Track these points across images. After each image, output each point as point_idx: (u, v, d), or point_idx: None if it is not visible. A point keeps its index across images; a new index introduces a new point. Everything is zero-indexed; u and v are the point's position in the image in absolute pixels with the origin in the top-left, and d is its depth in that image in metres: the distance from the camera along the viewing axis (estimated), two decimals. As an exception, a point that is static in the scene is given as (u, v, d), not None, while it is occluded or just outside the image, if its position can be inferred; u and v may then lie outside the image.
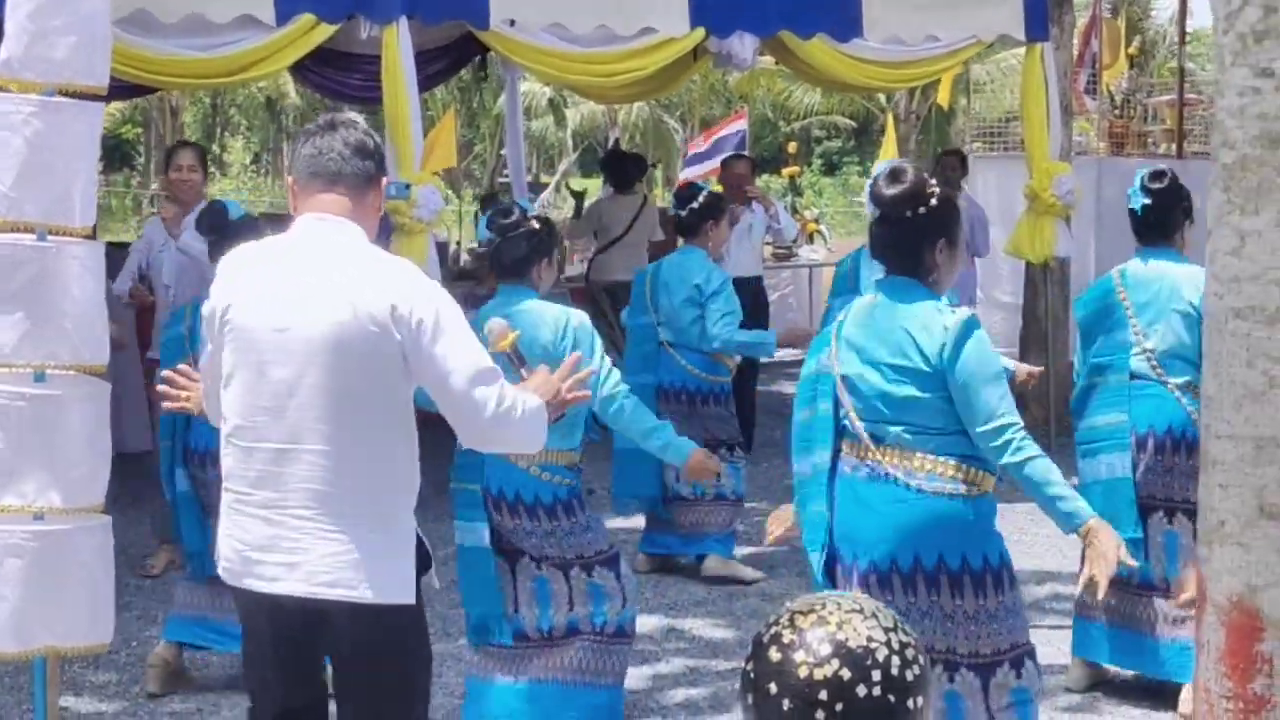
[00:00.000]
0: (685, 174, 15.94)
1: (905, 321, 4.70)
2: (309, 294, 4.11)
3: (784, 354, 11.70)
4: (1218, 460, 3.12)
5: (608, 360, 6.03)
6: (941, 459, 4.72)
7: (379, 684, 4.36)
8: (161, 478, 6.77)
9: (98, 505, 4.66)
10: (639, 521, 8.83)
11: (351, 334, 4.08)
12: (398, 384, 4.17)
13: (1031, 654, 4.89)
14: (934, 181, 4.82)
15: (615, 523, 8.46)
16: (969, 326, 4.66)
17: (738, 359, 8.88)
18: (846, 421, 4.83)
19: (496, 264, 6.09)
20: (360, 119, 4.59)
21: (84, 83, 4.60)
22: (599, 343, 5.94)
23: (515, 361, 4.75)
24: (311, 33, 9.47)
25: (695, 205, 8.47)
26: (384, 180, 4.41)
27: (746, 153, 17.46)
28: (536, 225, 6.00)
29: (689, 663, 6.92)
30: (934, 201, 4.72)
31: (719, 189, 10.91)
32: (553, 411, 4.36)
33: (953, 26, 11.53)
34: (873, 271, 7.46)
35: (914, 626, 4.63)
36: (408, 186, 9.36)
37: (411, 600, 4.26)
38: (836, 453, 4.86)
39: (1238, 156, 3.08)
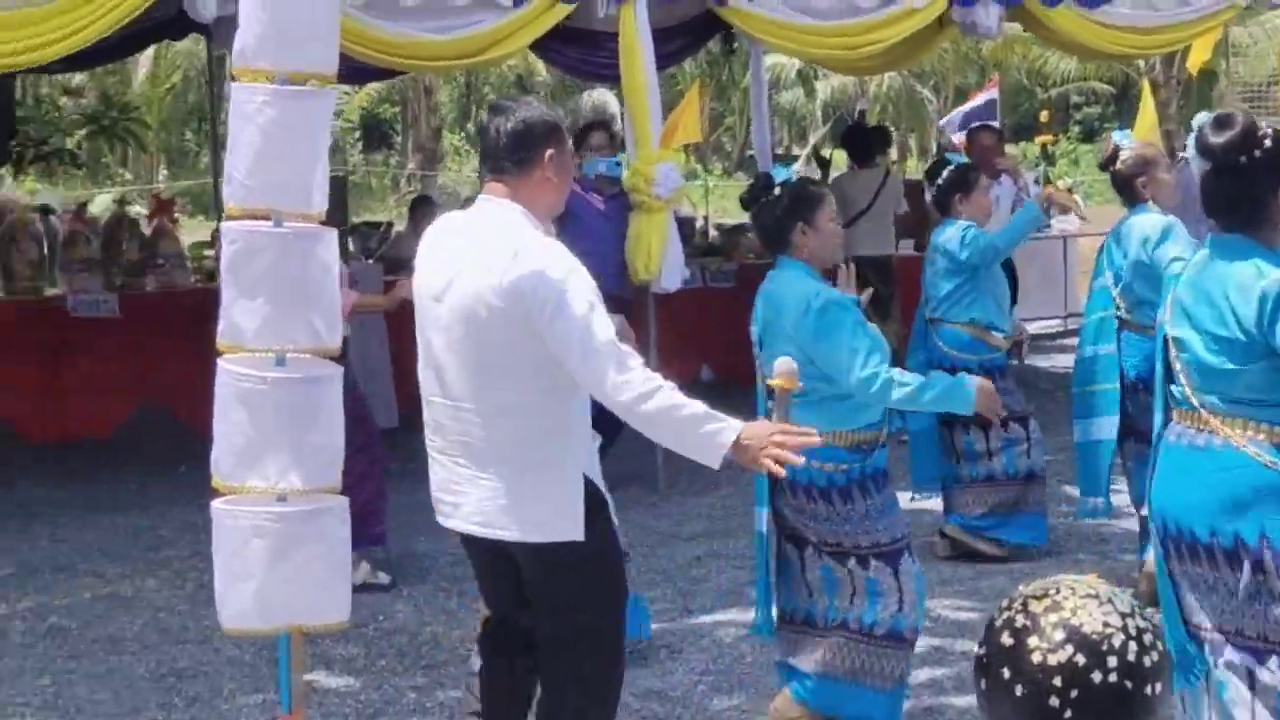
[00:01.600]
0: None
1: (1226, 285, 4.47)
2: (460, 267, 4.63)
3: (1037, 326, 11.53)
4: None
5: (867, 334, 5.62)
6: (1266, 427, 4.48)
7: (554, 614, 4.80)
8: None
9: (335, 486, 4.74)
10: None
11: (485, 305, 4.54)
12: (534, 347, 4.52)
13: None
14: (1264, 125, 4.58)
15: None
16: None
17: (1008, 335, 8.43)
18: (1176, 386, 4.65)
19: (760, 236, 6.05)
20: (533, 100, 5.20)
21: (315, 70, 4.65)
22: (849, 319, 5.55)
23: (780, 407, 5.02)
24: (549, 12, 9.63)
25: (940, 181, 8.32)
26: (549, 155, 4.71)
27: (997, 122, 17.16)
28: (778, 191, 5.76)
29: (934, 642, 6.83)
30: (1268, 143, 4.48)
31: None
32: (743, 457, 4.47)
33: (1212, -11, 11.31)
34: (1121, 246, 7.31)
35: (1212, 602, 4.62)
36: (618, 164, 9.41)
37: (566, 538, 4.63)
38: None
39: None
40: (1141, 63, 30.64)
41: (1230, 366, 4.42)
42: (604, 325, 4.50)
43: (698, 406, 4.47)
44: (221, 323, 4.63)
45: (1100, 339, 7.37)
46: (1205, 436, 4.51)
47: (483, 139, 4.86)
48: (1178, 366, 4.59)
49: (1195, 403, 4.52)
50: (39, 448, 11.09)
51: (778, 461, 4.44)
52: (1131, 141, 7.54)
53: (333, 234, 4.74)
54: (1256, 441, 4.43)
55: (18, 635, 7.37)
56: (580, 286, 4.54)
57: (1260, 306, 4.34)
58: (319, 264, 4.68)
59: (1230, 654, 4.57)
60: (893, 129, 40.67)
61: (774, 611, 5.83)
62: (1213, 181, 4.58)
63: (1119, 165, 7.40)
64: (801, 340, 5.54)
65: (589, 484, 4.70)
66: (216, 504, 4.65)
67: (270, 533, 4.62)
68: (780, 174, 5.92)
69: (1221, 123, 4.57)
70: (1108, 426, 7.33)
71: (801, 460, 4.56)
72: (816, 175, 14.80)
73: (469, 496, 4.72)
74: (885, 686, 5.72)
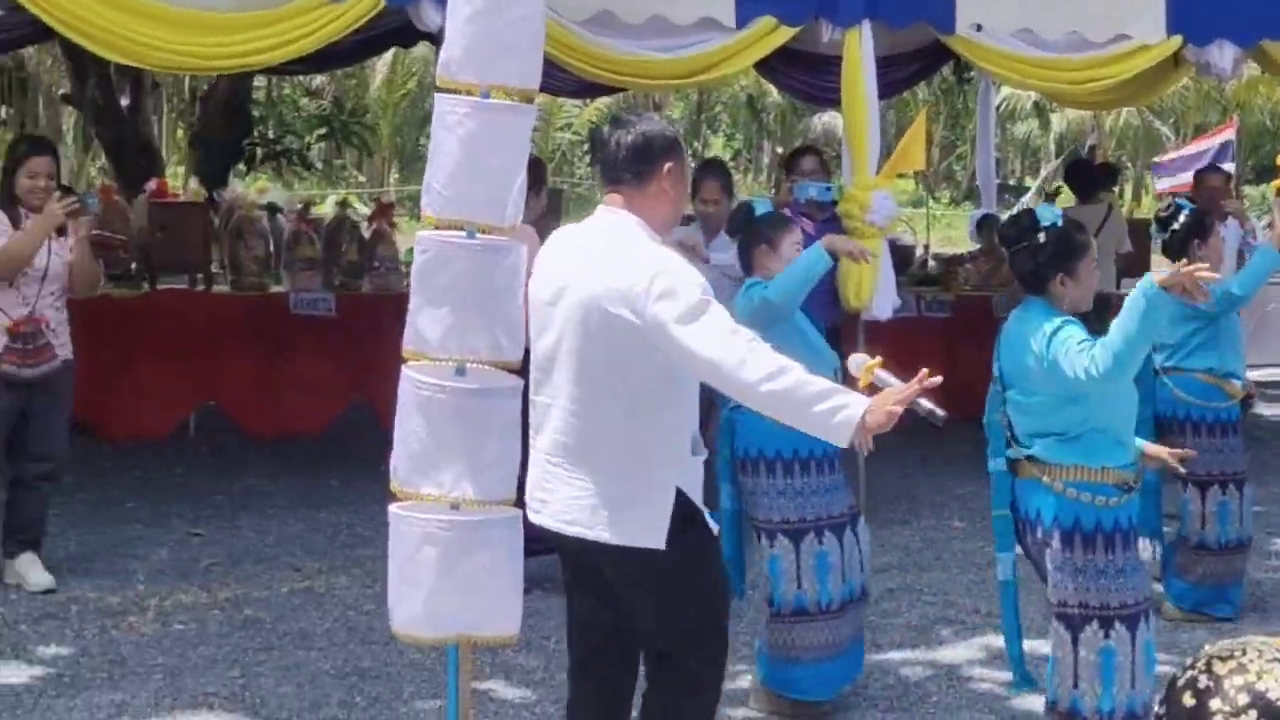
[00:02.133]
0: (1160, 185, 15.39)
1: None
2: (574, 272, 4.67)
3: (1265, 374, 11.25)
4: None
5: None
6: None
7: (642, 617, 4.83)
8: None
9: (510, 499, 4.77)
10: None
11: (595, 310, 4.58)
12: (641, 356, 4.59)
13: None
14: None
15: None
16: None
17: (1242, 385, 8.19)
18: None
19: (1016, 276, 5.81)
20: (654, 115, 5.28)
21: (517, 85, 4.71)
22: (1072, 328, 5.36)
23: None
24: (772, 35, 9.60)
25: (1177, 226, 7.90)
26: (667, 168, 4.79)
27: (1232, 165, 16.75)
28: (1042, 239, 5.54)
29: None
30: None
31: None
32: (875, 420, 4.41)
33: None
34: None
35: None
36: (829, 189, 9.33)
37: (652, 545, 4.65)
38: None
39: None
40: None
41: None
42: (720, 313, 4.56)
43: (822, 383, 4.48)
44: (407, 329, 4.73)
45: None
46: None
47: (603, 151, 4.93)
48: None
49: None
50: (256, 440, 11.35)
51: (900, 404, 4.40)
52: None
53: (522, 247, 4.79)
54: None
55: (215, 625, 7.50)
56: (691, 283, 4.58)
57: None
58: (506, 276, 4.75)
59: None
60: (1129, 165, 40.09)
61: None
62: None
63: None
64: (1046, 371, 5.39)
65: (681, 496, 4.74)
66: (393, 508, 4.74)
67: (442, 540, 4.69)
68: (1046, 215, 5.70)
69: None
70: None
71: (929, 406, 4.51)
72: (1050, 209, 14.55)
73: (558, 494, 4.76)
74: None
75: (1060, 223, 5.62)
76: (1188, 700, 3.24)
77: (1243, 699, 3.21)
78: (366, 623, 7.51)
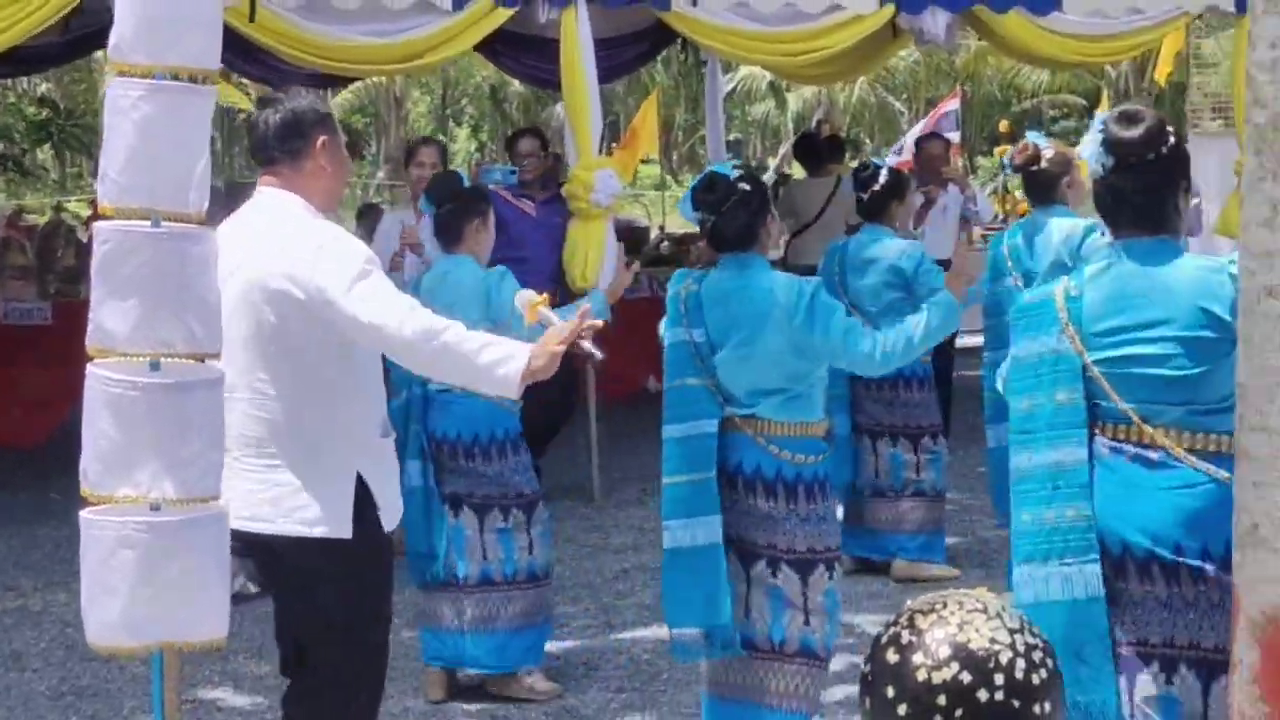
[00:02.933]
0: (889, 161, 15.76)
1: (1183, 288, 4.23)
2: (238, 258, 4.67)
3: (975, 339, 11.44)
4: (1252, 455, 2.87)
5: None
6: (1228, 437, 4.14)
7: (310, 608, 4.87)
8: None
9: (215, 495, 4.61)
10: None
11: (261, 290, 4.67)
12: (311, 334, 4.67)
13: None
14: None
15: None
16: None
17: None
18: (1108, 404, 4.36)
19: (720, 240, 5.73)
20: (302, 90, 5.28)
21: (195, 64, 4.54)
22: (835, 304, 5.56)
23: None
24: (489, 17, 9.62)
25: (878, 186, 8.24)
26: (321, 142, 4.86)
27: (956, 134, 17.11)
28: (747, 187, 5.65)
29: (854, 660, 6.73)
30: (1173, 140, 4.32)
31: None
32: (539, 364, 4.56)
33: (1160, -1, 11.29)
34: (1031, 247, 7.22)
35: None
36: (513, 172, 9.41)
37: (337, 535, 4.72)
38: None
39: (1270, 116, 2.84)
40: (1111, 73, 30.83)
41: (1209, 367, 4.19)
42: (382, 280, 4.66)
43: (485, 337, 4.67)
44: (90, 326, 4.49)
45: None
46: (1157, 452, 4.27)
47: (253, 133, 4.98)
48: (1107, 385, 4.36)
49: (1136, 418, 4.29)
50: None
51: (562, 345, 4.56)
52: (1047, 142, 7.49)
53: (211, 234, 4.61)
54: (1206, 454, 4.24)
55: None
56: (354, 253, 4.70)
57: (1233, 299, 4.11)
58: (197, 265, 4.53)
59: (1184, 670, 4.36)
60: (866, 141, 40.84)
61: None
62: (1118, 178, 4.38)
63: (1044, 164, 7.25)
64: (796, 327, 5.42)
65: (360, 482, 4.80)
66: (84, 513, 4.50)
67: (139, 543, 4.47)
68: (724, 169, 5.80)
69: (1130, 117, 4.40)
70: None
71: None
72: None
73: (238, 490, 4.68)
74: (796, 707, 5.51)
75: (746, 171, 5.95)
76: (891, 656, 3.23)
77: (944, 651, 3.22)
78: (85, 640, 7.31)
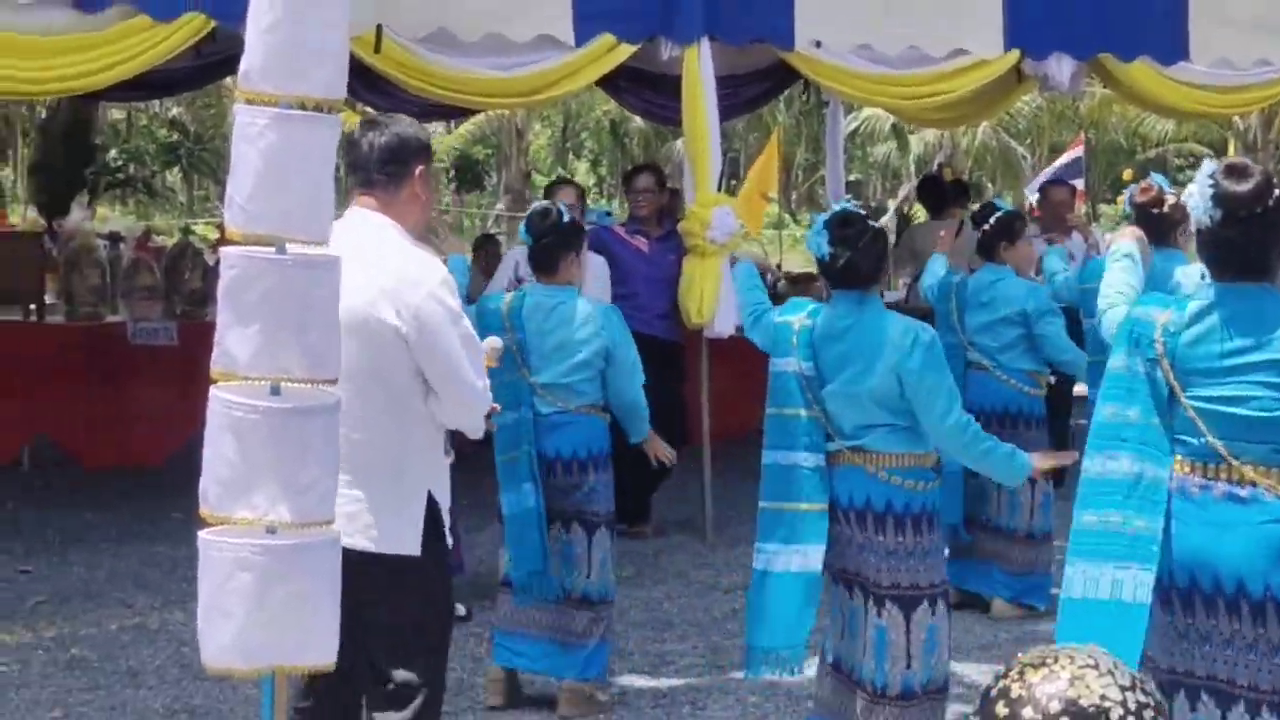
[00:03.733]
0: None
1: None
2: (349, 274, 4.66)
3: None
4: None
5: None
6: None
7: (379, 625, 4.98)
8: (502, 492, 6.80)
9: (329, 519, 4.65)
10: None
11: (357, 313, 4.75)
12: (399, 356, 4.83)
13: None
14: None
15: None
16: None
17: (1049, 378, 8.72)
18: (1198, 440, 4.42)
19: (852, 275, 5.71)
20: (404, 117, 5.26)
21: (321, 95, 4.58)
22: (946, 362, 5.69)
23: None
24: (612, 53, 9.63)
25: (987, 226, 8.33)
26: (419, 171, 4.98)
27: (1080, 181, 16.95)
28: (876, 226, 5.79)
29: (963, 709, 6.65)
30: (1278, 193, 4.41)
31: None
32: None
33: (1294, 47, 11.16)
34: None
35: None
36: (608, 214, 9.46)
37: (407, 552, 4.89)
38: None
39: None
40: (1239, 124, 30.43)
41: None
42: (461, 315, 4.90)
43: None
44: (215, 350, 4.53)
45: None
46: (1247, 489, 4.33)
47: (355, 152, 5.00)
48: (1202, 423, 4.38)
49: (1227, 455, 4.33)
50: (94, 473, 11.19)
51: None
52: (1171, 190, 7.43)
53: (336, 261, 4.65)
54: None
55: (39, 665, 7.35)
56: (449, 298, 4.86)
57: None
58: (320, 292, 4.58)
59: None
60: (989, 184, 40.57)
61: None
62: (1223, 230, 4.44)
63: (1166, 209, 7.16)
64: (904, 370, 5.46)
65: (431, 500, 4.98)
66: (203, 534, 4.54)
67: (255, 566, 4.51)
68: (843, 206, 5.91)
69: (1239, 171, 4.47)
70: None
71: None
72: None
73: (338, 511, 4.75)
74: None
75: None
76: (1000, 710, 3.20)
77: (1055, 706, 3.18)
78: (200, 659, 7.37)
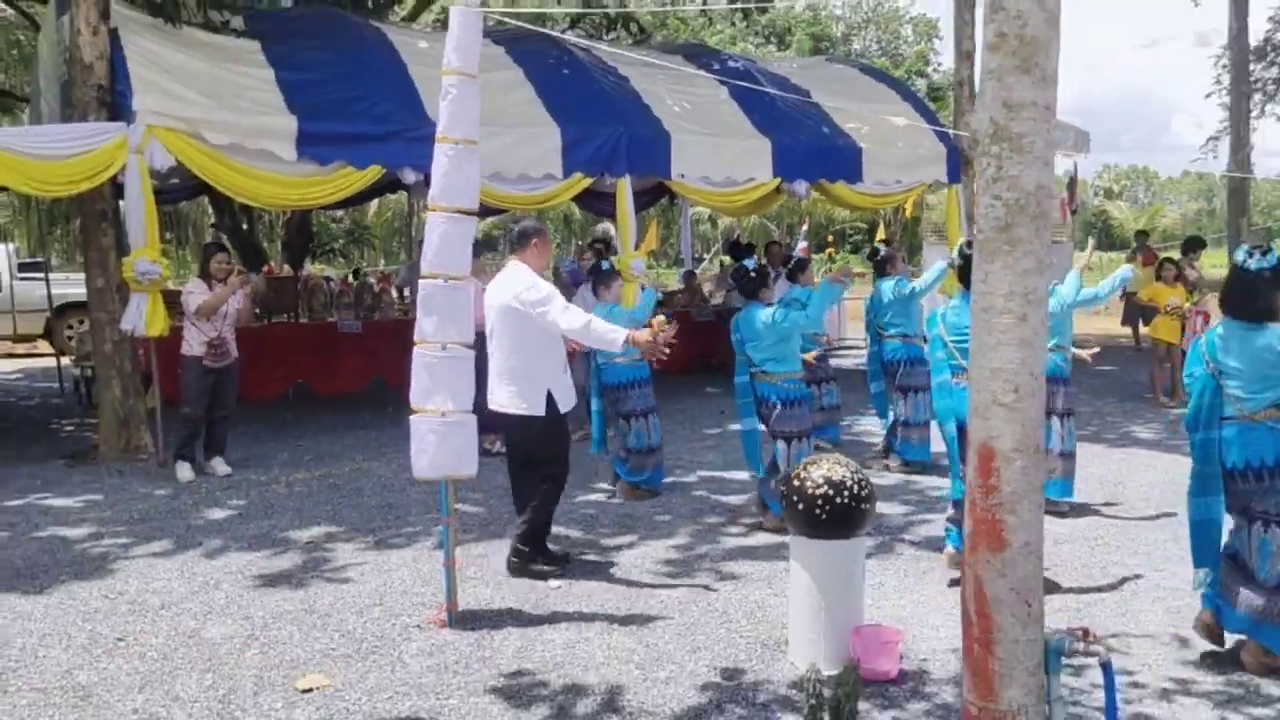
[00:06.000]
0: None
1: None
2: (496, 291, 5.10)
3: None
4: None
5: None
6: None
7: (532, 449, 5.16)
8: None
9: (467, 409, 4.63)
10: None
11: (507, 304, 5.01)
12: (528, 324, 5.00)
13: None
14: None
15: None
16: None
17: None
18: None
19: (741, 290, 5.89)
20: (535, 220, 5.37)
21: (466, 206, 4.61)
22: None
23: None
24: (580, 182, 9.62)
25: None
26: (534, 242, 5.16)
27: (805, 241, 17.11)
28: (754, 269, 5.92)
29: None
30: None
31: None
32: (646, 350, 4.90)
33: (909, 175, 11.39)
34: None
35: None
36: (574, 263, 9.33)
37: (538, 414, 5.02)
38: None
39: (984, 237, 2.98)
40: (883, 211, 30.80)
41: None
42: (557, 302, 4.95)
43: (608, 325, 4.90)
44: (416, 327, 4.64)
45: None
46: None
47: (508, 235, 5.28)
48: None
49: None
50: (327, 397, 11.00)
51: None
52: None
53: (470, 285, 4.67)
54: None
55: (304, 486, 7.26)
56: (544, 289, 4.98)
57: None
58: (463, 300, 4.64)
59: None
60: (756, 245, 40.65)
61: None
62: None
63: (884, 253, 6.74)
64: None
65: (550, 396, 5.07)
66: (413, 417, 4.62)
67: (438, 429, 4.59)
68: (749, 264, 6.01)
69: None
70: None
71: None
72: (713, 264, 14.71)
73: (497, 393, 5.11)
74: None
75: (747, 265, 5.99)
76: (795, 483, 3.63)
77: (819, 478, 3.60)
78: (412, 474, 7.38)
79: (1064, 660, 2.90)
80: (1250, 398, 3.96)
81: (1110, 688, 2.93)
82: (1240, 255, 4.05)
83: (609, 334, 4.88)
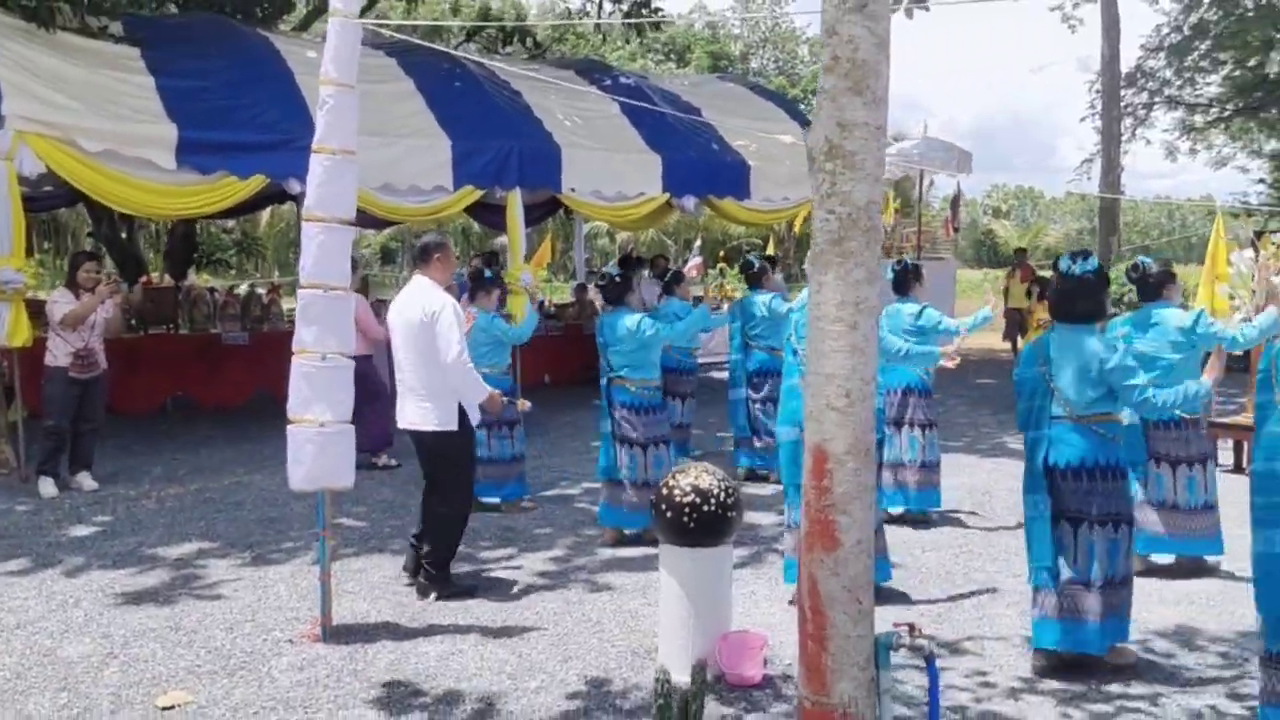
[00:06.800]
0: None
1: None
2: (403, 306, 5.05)
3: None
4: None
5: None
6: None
7: (438, 470, 5.11)
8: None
9: (347, 420, 4.59)
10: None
11: (414, 321, 4.96)
12: (433, 341, 4.94)
13: None
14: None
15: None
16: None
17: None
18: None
19: (607, 294, 5.83)
20: (438, 235, 5.32)
21: (344, 216, 4.60)
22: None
23: None
24: (471, 194, 9.64)
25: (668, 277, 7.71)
26: (437, 257, 5.14)
27: (699, 258, 17.32)
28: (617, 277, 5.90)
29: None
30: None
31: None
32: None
33: (796, 192, 11.52)
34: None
35: None
36: (461, 275, 9.34)
37: (449, 429, 4.97)
38: None
39: (815, 251, 2.94)
40: (776, 226, 31.30)
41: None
42: (455, 326, 4.93)
43: (479, 379, 5.05)
44: (295, 338, 4.61)
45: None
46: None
47: (413, 251, 5.33)
48: None
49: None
50: (210, 409, 10.75)
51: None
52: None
53: (351, 297, 4.68)
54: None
55: (185, 502, 7.15)
56: (447, 306, 4.98)
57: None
58: (343, 311, 4.63)
59: None
60: (646, 259, 40.89)
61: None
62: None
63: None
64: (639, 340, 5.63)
65: (460, 408, 5.05)
66: (289, 427, 4.59)
67: (315, 440, 4.55)
68: (612, 270, 5.98)
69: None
70: None
71: None
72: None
73: (406, 409, 5.07)
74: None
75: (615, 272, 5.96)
76: (664, 492, 3.68)
77: (688, 486, 3.65)
78: (288, 486, 7.31)
79: (892, 654, 2.97)
80: (1077, 399, 4.05)
81: (934, 680, 3.02)
82: (1064, 262, 4.18)
83: (476, 386, 5.05)
